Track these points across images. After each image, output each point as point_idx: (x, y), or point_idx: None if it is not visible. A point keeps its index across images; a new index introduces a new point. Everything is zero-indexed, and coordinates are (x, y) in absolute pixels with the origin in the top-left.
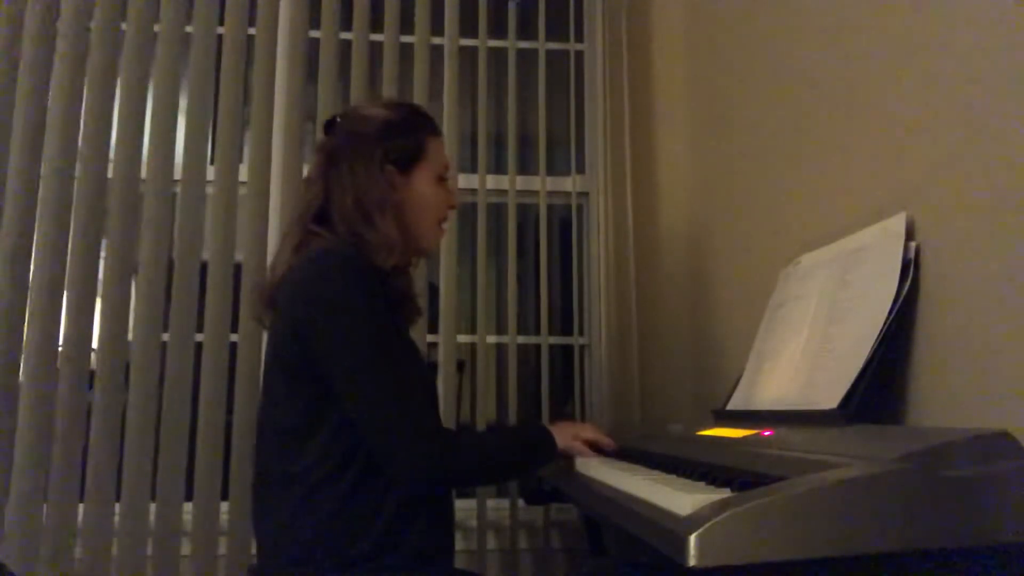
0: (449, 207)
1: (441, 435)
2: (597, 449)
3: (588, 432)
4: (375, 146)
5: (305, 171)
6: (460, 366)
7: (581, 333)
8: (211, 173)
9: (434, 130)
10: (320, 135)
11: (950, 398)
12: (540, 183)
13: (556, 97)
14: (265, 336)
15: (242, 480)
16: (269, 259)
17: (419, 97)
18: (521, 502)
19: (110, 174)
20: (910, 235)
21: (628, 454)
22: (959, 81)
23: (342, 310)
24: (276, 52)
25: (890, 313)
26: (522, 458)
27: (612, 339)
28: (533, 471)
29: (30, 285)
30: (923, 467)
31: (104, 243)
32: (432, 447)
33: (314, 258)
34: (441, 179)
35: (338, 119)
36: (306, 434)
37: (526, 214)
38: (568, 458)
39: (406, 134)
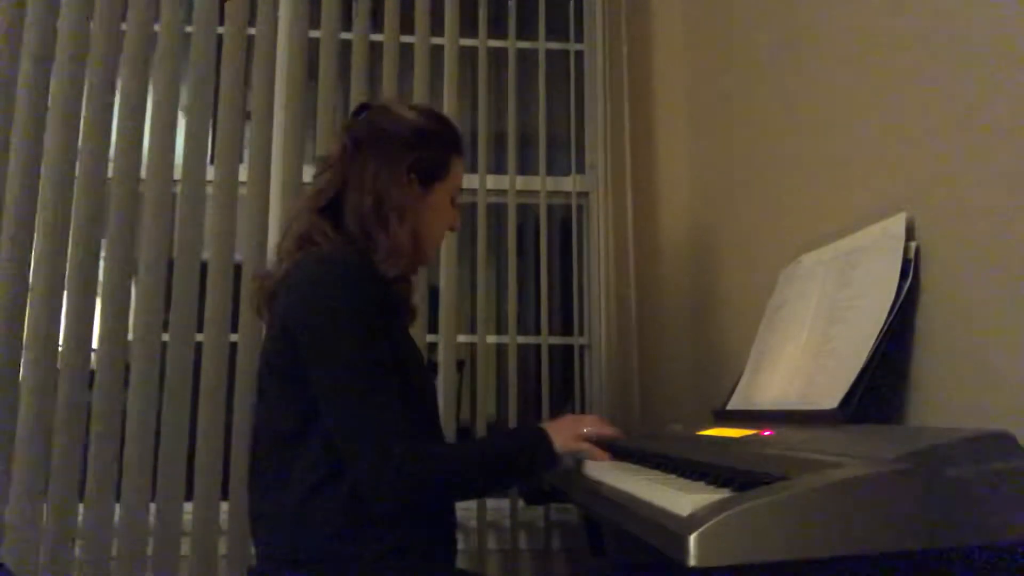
0: (450, 228)
1: (407, 457)
2: (604, 445)
3: (591, 425)
4: (405, 152)
5: (305, 171)
6: (460, 366)
7: (581, 333)
8: (211, 173)
9: (460, 150)
10: (320, 135)
11: (950, 398)
12: (540, 183)
13: (556, 97)
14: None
15: (242, 480)
16: (269, 259)
17: (419, 97)
18: (521, 502)
19: (110, 174)
20: (910, 235)
21: (628, 454)
22: (959, 81)
23: (329, 318)
24: (276, 52)
25: (890, 313)
26: (515, 469)
27: (612, 339)
28: (530, 478)
29: (30, 285)
30: (923, 467)
31: (104, 243)
32: (395, 471)
33: (315, 263)
34: (453, 199)
35: (370, 108)
36: (300, 438)
37: (526, 214)
38: (570, 457)
39: (436, 148)
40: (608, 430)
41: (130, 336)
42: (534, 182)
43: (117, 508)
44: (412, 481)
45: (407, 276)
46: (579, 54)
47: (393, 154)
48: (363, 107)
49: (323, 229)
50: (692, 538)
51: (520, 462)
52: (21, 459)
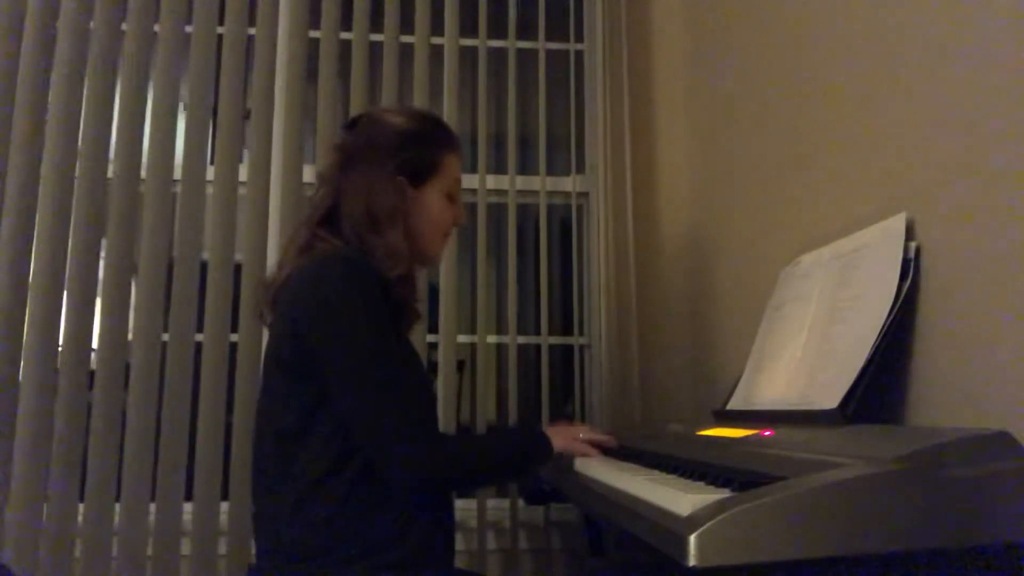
0: (455, 223)
1: (435, 440)
2: (598, 446)
3: (585, 433)
4: (390, 156)
5: (305, 171)
6: (460, 366)
7: (581, 333)
8: (211, 173)
9: (452, 146)
10: (320, 135)
11: (950, 398)
12: (540, 183)
13: (556, 97)
14: (265, 336)
15: (242, 480)
16: (269, 259)
17: (419, 97)
18: (521, 502)
19: (110, 174)
20: (910, 235)
21: (628, 454)
22: (959, 81)
23: (342, 313)
24: (276, 52)
25: (890, 313)
26: (516, 462)
27: (612, 339)
28: (528, 473)
29: (30, 285)
30: (923, 467)
31: (104, 243)
32: (424, 451)
33: (318, 262)
34: (451, 195)
35: (359, 120)
36: (303, 434)
37: (526, 214)
38: (567, 458)
39: (422, 147)
40: (602, 438)
41: (130, 336)
42: (534, 182)
43: (117, 508)
44: (440, 474)
45: (410, 275)
46: (579, 54)
47: (380, 160)
48: (354, 121)
49: (323, 237)
50: (692, 538)
51: (523, 458)
52: (21, 459)
